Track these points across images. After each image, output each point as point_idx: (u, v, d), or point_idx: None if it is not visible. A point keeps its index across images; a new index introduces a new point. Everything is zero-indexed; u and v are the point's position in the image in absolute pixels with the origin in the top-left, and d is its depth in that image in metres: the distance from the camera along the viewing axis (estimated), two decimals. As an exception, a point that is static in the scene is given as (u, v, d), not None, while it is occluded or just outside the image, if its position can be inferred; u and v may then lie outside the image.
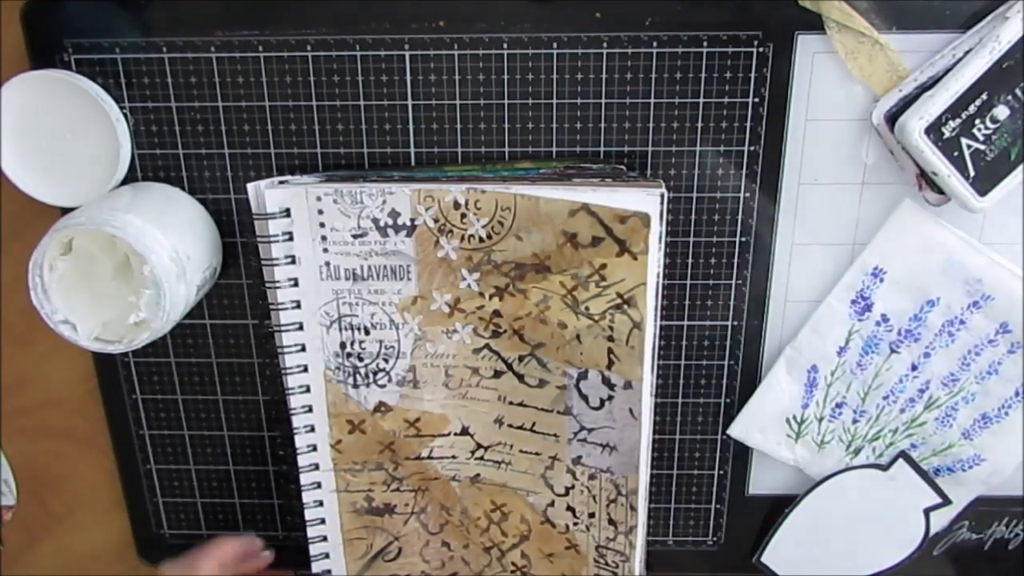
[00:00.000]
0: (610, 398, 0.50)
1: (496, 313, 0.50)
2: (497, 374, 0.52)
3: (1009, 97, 0.46)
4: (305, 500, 0.55)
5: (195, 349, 0.56)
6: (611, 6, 0.48)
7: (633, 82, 0.50)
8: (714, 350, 0.55)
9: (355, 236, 0.49)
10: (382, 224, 0.49)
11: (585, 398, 0.51)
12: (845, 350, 0.54)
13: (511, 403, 0.53)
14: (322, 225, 0.49)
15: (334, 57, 0.50)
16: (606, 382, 0.50)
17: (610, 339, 0.49)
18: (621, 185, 0.47)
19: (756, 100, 0.50)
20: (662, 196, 0.46)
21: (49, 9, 0.49)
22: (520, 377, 0.52)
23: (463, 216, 0.48)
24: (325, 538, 0.57)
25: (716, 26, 0.48)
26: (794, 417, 0.56)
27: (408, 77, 0.50)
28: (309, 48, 0.50)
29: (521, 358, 0.51)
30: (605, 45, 0.49)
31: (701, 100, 0.50)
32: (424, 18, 0.49)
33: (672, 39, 0.49)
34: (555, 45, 0.49)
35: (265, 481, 0.60)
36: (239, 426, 0.58)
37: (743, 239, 0.53)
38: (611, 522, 0.54)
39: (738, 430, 0.57)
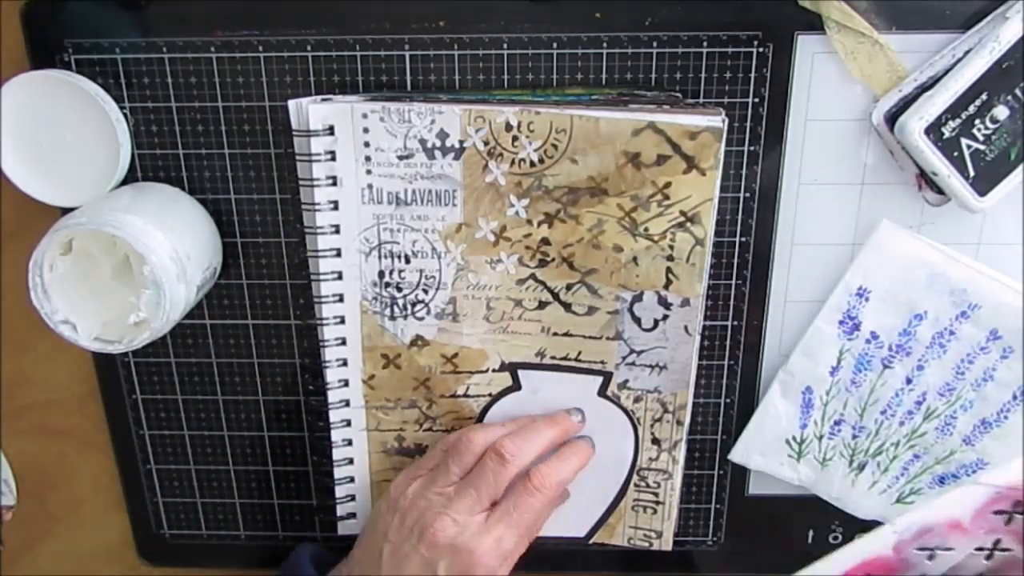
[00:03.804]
0: (665, 318, 0.50)
1: (544, 241, 0.50)
2: (541, 305, 0.51)
3: (1009, 97, 0.46)
4: (333, 439, 0.55)
5: (195, 349, 0.56)
6: (611, 6, 0.48)
7: (633, 82, 0.49)
8: (714, 350, 0.55)
9: (400, 157, 0.48)
10: (429, 145, 0.48)
11: (638, 321, 0.51)
12: (838, 369, 0.54)
13: (555, 334, 0.52)
14: (367, 145, 0.48)
15: (334, 57, 0.50)
16: (662, 302, 0.50)
17: (669, 258, 0.49)
18: (681, 110, 0.47)
19: (756, 100, 0.50)
20: (724, 120, 0.46)
21: (49, 9, 0.49)
22: (567, 306, 0.51)
23: (514, 139, 0.47)
24: (352, 479, 0.56)
25: (716, 26, 0.48)
26: (793, 438, 0.56)
27: (408, 77, 0.50)
28: (309, 48, 0.50)
29: (569, 287, 0.51)
30: (605, 45, 0.49)
31: (701, 100, 0.50)
32: (424, 18, 0.49)
33: (672, 39, 0.49)
34: (555, 45, 0.49)
35: (266, 481, 0.60)
36: (239, 426, 0.58)
37: (743, 239, 0.53)
38: (655, 441, 0.54)
39: (739, 455, 0.57)
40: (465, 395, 0.54)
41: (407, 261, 0.51)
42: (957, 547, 0.43)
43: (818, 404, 0.55)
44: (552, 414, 0.53)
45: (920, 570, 0.43)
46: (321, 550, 0.56)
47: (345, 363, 0.53)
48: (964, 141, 0.47)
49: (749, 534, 0.60)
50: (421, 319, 0.52)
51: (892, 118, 0.48)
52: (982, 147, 0.47)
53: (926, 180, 0.49)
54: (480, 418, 0.55)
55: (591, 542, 0.58)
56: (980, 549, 0.43)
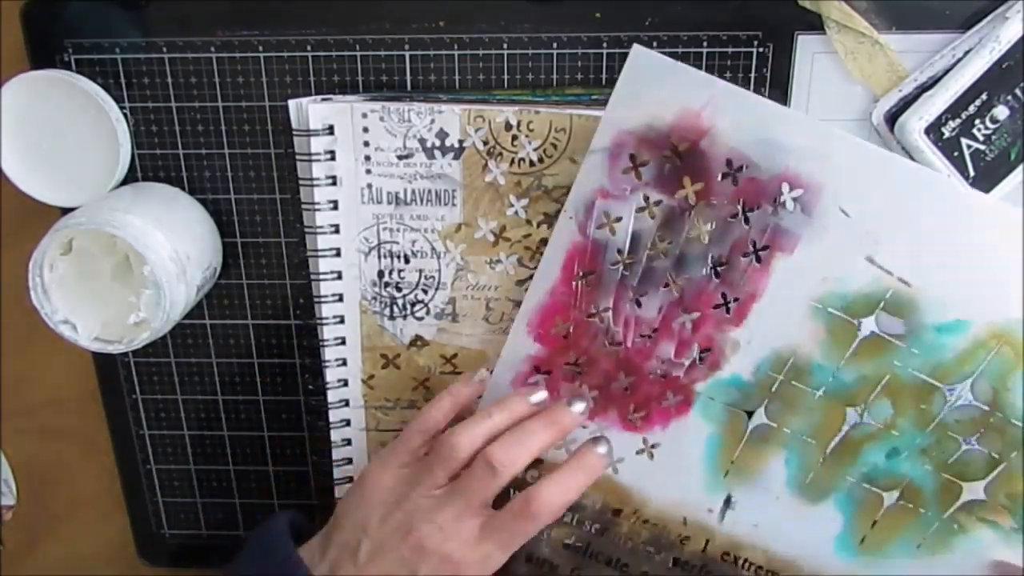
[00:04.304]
0: None
1: (543, 242, 0.49)
2: None
3: (1009, 97, 0.46)
4: (333, 439, 0.55)
5: (195, 349, 0.56)
6: (611, 6, 0.48)
7: (633, 82, 0.50)
8: (714, 350, 0.55)
9: (400, 157, 0.48)
10: (429, 145, 0.48)
11: None
12: None
13: None
14: (366, 144, 0.48)
15: (334, 57, 0.50)
16: None
17: None
18: None
19: (756, 100, 0.50)
20: None
21: (49, 9, 0.49)
22: None
23: (514, 138, 0.48)
24: (352, 479, 0.56)
25: (716, 26, 0.48)
26: None
27: (408, 77, 0.50)
28: (309, 48, 0.50)
29: None
30: (605, 45, 0.49)
31: (701, 100, 0.50)
32: (424, 18, 0.49)
33: (672, 39, 0.49)
34: (555, 45, 0.49)
35: (265, 481, 0.60)
36: (239, 426, 0.58)
37: (743, 239, 0.53)
38: None
39: None
40: None
41: (406, 261, 0.51)
42: (622, 213, 0.46)
43: None
44: (549, 408, 0.48)
45: (613, 246, 0.47)
46: (298, 516, 0.51)
47: (344, 363, 0.53)
48: (964, 141, 0.47)
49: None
50: (420, 319, 0.52)
51: (892, 118, 0.48)
52: (982, 147, 0.47)
53: (926, 180, 0.49)
54: (480, 419, 0.55)
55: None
56: (642, 210, 0.46)
